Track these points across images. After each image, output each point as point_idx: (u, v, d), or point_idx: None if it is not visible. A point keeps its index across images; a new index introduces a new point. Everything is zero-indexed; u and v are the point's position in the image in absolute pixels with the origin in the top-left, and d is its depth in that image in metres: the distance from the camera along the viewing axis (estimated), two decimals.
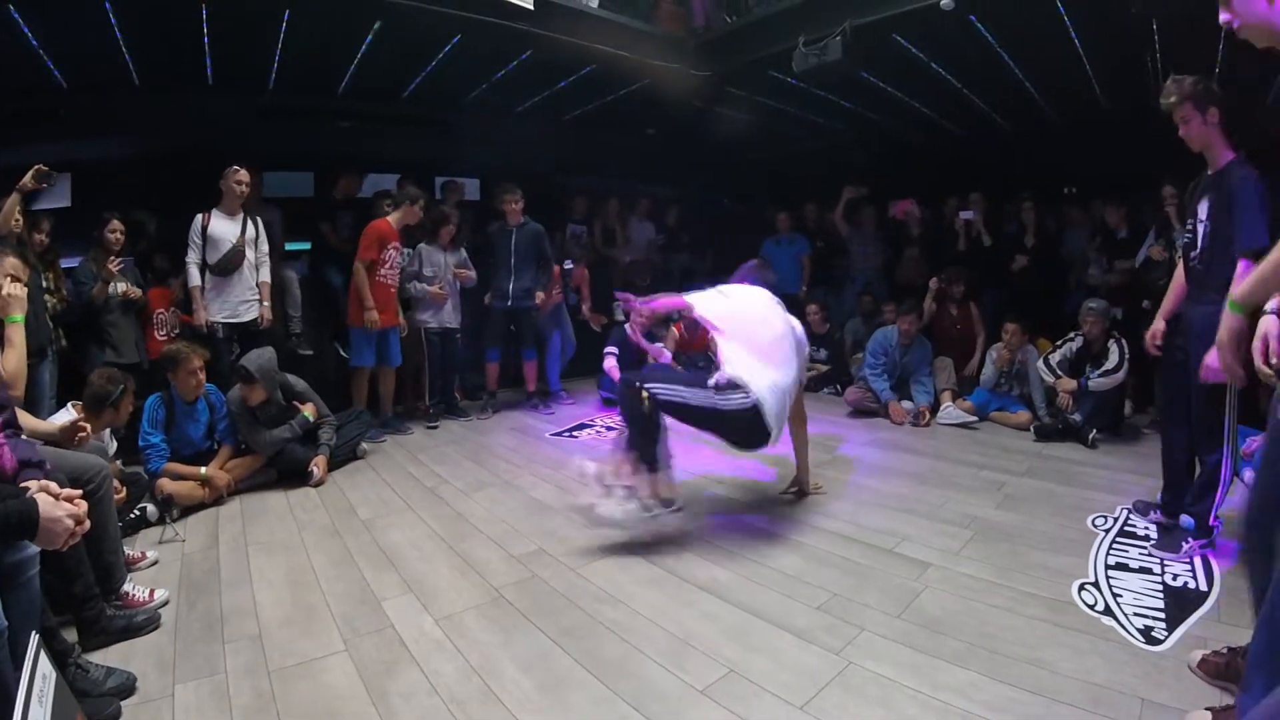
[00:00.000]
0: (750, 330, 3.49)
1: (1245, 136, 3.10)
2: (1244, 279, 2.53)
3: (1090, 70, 5.93)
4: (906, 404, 5.95)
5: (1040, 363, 5.33)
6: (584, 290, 7.42)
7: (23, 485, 1.93)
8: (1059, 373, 5.17)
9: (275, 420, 4.51)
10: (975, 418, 5.58)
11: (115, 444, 3.92)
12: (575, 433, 5.75)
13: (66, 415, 3.43)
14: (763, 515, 3.77)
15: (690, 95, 7.08)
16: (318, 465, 4.51)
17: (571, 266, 7.28)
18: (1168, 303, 3.43)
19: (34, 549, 1.97)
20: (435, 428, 5.95)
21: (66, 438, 2.95)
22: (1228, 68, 5.02)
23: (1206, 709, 1.97)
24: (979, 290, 6.63)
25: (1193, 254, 3.16)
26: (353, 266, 5.53)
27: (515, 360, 6.70)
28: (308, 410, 4.64)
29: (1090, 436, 4.88)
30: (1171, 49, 5.19)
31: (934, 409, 5.81)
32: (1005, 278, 6.74)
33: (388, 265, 5.61)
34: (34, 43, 4.77)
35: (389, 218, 5.65)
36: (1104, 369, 4.96)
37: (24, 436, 2.29)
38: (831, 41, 5.22)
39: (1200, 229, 3.09)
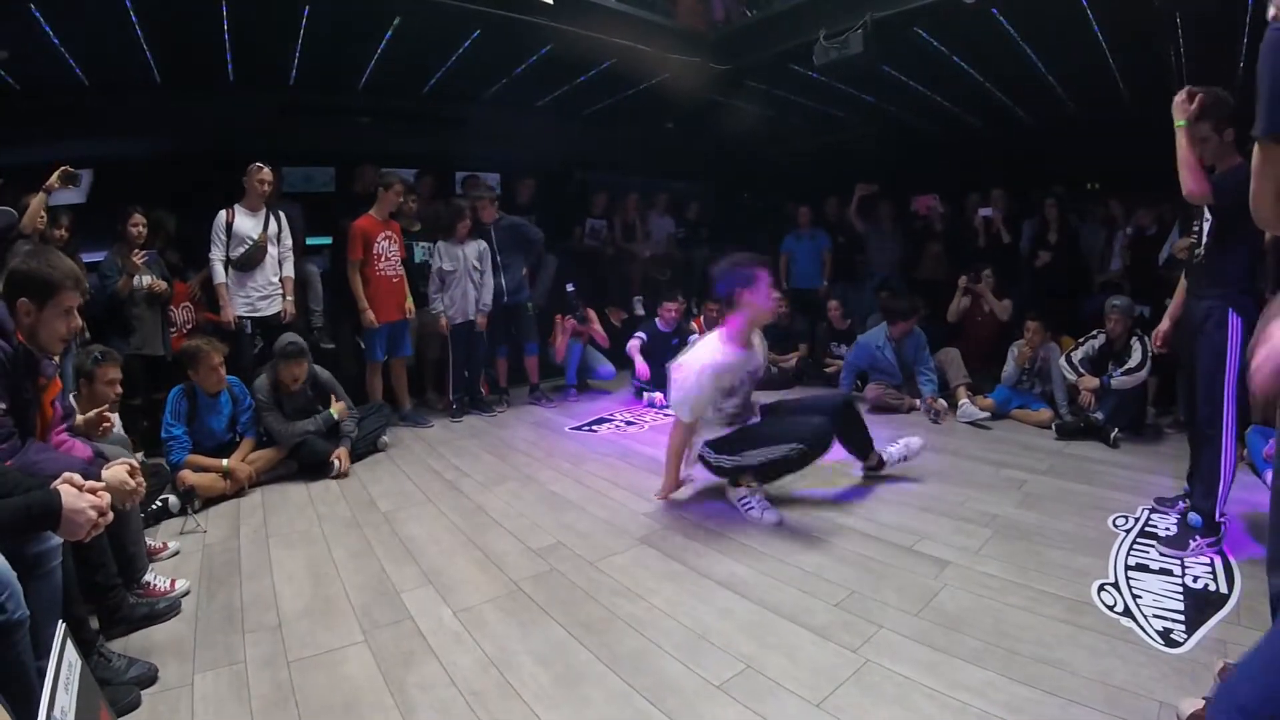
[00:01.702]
0: None
1: None
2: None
3: (1113, 64, 5.85)
4: (916, 400, 5.96)
5: (1062, 360, 5.25)
6: (592, 325, 7.22)
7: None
8: (1081, 370, 5.09)
9: (301, 411, 4.57)
10: (987, 414, 5.52)
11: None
12: (595, 427, 5.75)
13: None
14: (782, 512, 3.75)
15: (709, 89, 7.06)
16: (340, 457, 4.54)
17: (573, 289, 7.21)
18: (1175, 304, 3.56)
19: (57, 539, 2.00)
20: (459, 422, 5.96)
21: (90, 429, 2.99)
22: (1250, 64, 4.94)
23: (1204, 697, 1.95)
24: (1004, 288, 6.56)
25: (1197, 251, 3.23)
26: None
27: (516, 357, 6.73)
28: (336, 409, 4.68)
29: (1112, 435, 4.81)
30: (1195, 44, 5.11)
31: (950, 402, 5.77)
32: (1027, 274, 6.66)
33: (384, 260, 5.63)
34: (54, 40, 4.82)
35: (371, 210, 5.65)
36: (1127, 367, 4.88)
37: None
38: (852, 35, 5.21)
39: (1205, 226, 3.15)
